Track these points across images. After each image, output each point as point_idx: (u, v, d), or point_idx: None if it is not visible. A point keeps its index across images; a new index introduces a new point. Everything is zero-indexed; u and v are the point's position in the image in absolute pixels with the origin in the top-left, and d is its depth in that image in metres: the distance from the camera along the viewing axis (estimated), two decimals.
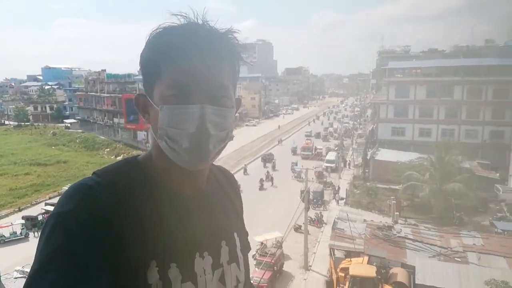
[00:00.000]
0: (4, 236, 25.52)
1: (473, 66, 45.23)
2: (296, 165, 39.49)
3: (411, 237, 19.48)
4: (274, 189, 34.76)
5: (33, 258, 0.82)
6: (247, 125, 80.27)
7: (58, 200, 0.88)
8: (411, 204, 31.39)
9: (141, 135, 54.85)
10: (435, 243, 18.86)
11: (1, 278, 19.66)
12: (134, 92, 57.74)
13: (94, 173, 0.96)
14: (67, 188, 0.94)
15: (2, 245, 24.77)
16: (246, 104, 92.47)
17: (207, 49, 0.89)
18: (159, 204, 0.94)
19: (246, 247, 1.16)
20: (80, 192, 0.87)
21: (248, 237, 1.22)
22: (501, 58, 45.28)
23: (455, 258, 17.49)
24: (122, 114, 57.51)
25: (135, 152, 52.52)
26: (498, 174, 34.56)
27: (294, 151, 49.68)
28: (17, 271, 19.65)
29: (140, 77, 0.98)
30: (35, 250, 0.83)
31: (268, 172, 38.19)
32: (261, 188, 34.18)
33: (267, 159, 43.49)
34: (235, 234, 1.10)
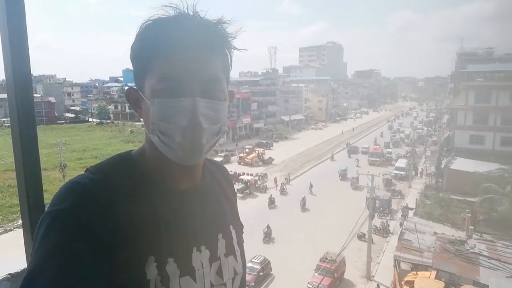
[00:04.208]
0: None
1: None
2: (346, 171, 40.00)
3: (486, 253, 18.16)
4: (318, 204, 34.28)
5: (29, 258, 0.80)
6: (312, 128, 79.69)
7: (52, 199, 0.85)
8: (488, 219, 29.08)
9: None
10: None
11: None
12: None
13: (87, 169, 0.95)
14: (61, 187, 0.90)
15: None
16: (312, 107, 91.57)
17: (198, 41, 0.88)
18: (155, 200, 0.93)
19: (241, 240, 1.15)
20: (75, 190, 0.86)
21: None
22: None
23: None
24: None
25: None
26: None
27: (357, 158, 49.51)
28: None
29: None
30: (31, 250, 0.80)
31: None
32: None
33: (352, 150, 52.33)
34: (231, 227, 1.10)
